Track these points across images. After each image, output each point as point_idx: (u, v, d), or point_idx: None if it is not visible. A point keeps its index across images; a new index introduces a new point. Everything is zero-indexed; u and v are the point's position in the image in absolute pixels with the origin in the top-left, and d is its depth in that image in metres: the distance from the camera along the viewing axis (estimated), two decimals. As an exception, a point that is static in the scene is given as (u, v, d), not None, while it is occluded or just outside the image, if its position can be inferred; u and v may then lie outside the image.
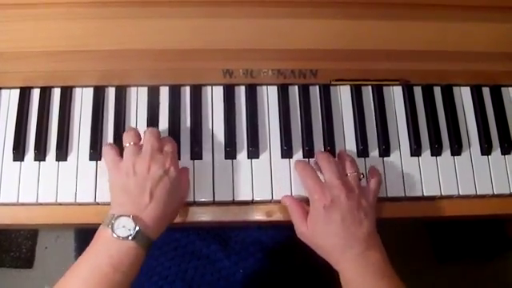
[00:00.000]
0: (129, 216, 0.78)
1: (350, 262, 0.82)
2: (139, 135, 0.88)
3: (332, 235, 0.83)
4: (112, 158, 0.87)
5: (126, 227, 0.78)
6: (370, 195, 0.88)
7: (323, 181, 0.88)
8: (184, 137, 0.95)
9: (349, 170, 0.89)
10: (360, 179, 0.89)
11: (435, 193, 0.95)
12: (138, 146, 0.86)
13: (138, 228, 0.78)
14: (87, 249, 0.79)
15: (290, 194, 0.93)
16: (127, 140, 0.86)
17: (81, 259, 0.78)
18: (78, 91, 0.98)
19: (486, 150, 0.98)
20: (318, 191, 0.86)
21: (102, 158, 0.92)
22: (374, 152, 0.97)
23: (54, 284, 0.77)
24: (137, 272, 0.79)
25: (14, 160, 0.93)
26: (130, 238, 0.77)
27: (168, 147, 0.87)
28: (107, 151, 0.88)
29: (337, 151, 0.96)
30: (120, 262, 0.77)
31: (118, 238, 0.77)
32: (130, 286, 0.79)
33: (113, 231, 0.77)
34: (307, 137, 0.96)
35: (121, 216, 0.78)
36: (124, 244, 0.77)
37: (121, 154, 0.87)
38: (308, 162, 0.94)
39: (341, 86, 1.00)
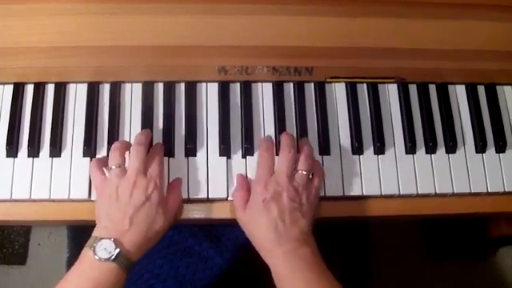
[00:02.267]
0: (110, 239, 0.80)
1: (280, 258, 0.82)
2: (124, 156, 0.87)
3: (265, 229, 0.83)
4: (97, 180, 0.88)
5: (107, 249, 0.80)
6: (312, 195, 0.88)
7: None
8: (178, 134, 0.95)
9: (300, 167, 0.88)
10: (308, 177, 0.88)
11: (429, 191, 0.95)
12: (123, 169, 0.86)
13: (118, 250, 0.80)
14: (72, 267, 0.81)
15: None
16: (112, 162, 0.86)
17: (66, 278, 0.80)
18: (72, 87, 0.97)
19: (480, 148, 0.98)
20: (262, 184, 0.86)
21: (96, 155, 0.93)
22: (369, 149, 0.97)
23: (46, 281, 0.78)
24: None
25: (8, 156, 0.93)
26: (111, 259, 0.79)
27: (153, 169, 0.87)
28: (93, 171, 0.89)
29: (331, 149, 0.96)
30: (101, 283, 0.79)
31: (99, 259, 0.79)
32: None
33: (94, 253, 0.79)
34: (302, 134, 0.96)
35: (103, 239, 0.81)
36: (105, 265, 0.79)
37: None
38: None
39: (336, 84, 1.00)
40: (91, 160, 0.93)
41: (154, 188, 0.85)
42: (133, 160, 0.86)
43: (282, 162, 0.87)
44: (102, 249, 0.80)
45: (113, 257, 0.79)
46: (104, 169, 0.88)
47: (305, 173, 0.87)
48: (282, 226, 0.83)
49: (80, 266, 0.81)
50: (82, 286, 0.78)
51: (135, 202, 0.83)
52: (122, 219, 0.82)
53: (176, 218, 0.91)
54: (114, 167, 0.86)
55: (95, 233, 0.83)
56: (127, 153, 0.88)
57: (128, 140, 0.94)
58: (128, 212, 0.82)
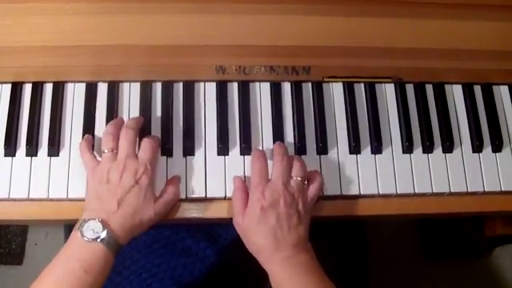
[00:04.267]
0: (97, 219, 0.81)
1: (278, 264, 0.83)
2: (117, 140, 0.88)
3: (263, 236, 0.84)
4: (89, 163, 0.89)
5: (94, 230, 0.80)
6: (308, 202, 0.88)
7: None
8: (176, 133, 0.95)
9: (294, 174, 0.88)
10: (303, 183, 0.89)
11: (426, 190, 0.95)
12: (115, 153, 0.87)
13: (105, 231, 0.80)
14: (60, 251, 0.81)
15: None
16: (105, 146, 0.87)
17: (54, 261, 0.80)
18: (70, 87, 0.97)
19: (477, 147, 0.98)
20: (259, 191, 0.86)
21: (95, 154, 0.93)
22: (366, 149, 0.97)
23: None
24: (106, 275, 0.82)
25: (6, 155, 0.93)
26: (99, 240, 0.80)
27: (145, 153, 0.87)
28: (84, 155, 0.90)
29: (329, 149, 0.96)
30: (89, 265, 0.79)
31: (87, 240, 0.79)
32: None
33: (82, 234, 0.80)
34: (299, 134, 0.97)
35: (90, 219, 0.81)
36: (93, 246, 0.80)
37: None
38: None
39: (333, 83, 1.00)
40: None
41: (144, 172, 0.85)
42: (122, 143, 0.87)
43: (276, 169, 0.88)
44: (90, 229, 0.80)
45: (100, 237, 0.80)
46: (95, 153, 0.90)
47: (299, 179, 0.88)
48: (280, 232, 0.83)
49: (68, 248, 0.81)
50: (71, 268, 0.78)
51: (124, 184, 0.84)
52: (110, 200, 0.83)
53: (167, 217, 0.91)
54: (106, 151, 0.87)
55: (83, 215, 0.83)
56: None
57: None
58: (117, 193, 0.83)
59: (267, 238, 0.83)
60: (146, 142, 0.89)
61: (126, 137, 0.87)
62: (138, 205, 0.84)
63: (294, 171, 0.88)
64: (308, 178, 0.90)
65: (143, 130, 0.94)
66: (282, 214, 0.84)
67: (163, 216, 0.89)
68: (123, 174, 0.84)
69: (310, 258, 0.84)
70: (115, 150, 0.87)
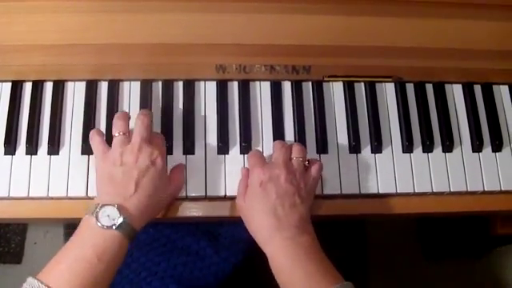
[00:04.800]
0: (114, 205, 0.79)
1: (279, 245, 0.82)
2: (128, 124, 0.88)
3: (264, 214, 0.83)
4: (100, 146, 0.87)
5: (110, 216, 0.78)
6: (309, 181, 0.88)
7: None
8: (176, 132, 0.95)
9: (295, 154, 0.88)
10: (304, 165, 0.89)
11: (426, 189, 0.95)
12: (127, 136, 0.86)
13: (122, 217, 0.78)
14: (72, 237, 0.79)
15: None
16: (116, 130, 0.86)
17: (66, 247, 0.78)
18: (70, 85, 0.97)
19: (477, 147, 0.99)
20: (257, 168, 0.86)
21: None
22: (366, 148, 0.97)
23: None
24: (120, 262, 0.80)
25: (6, 154, 0.93)
26: (114, 227, 0.78)
27: (157, 139, 0.87)
28: (94, 139, 0.89)
29: (329, 148, 0.96)
30: (104, 252, 0.77)
31: (102, 226, 0.78)
32: (113, 276, 0.80)
33: (97, 220, 0.78)
34: (299, 133, 0.97)
35: (106, 205, 0.79)
36: (108, 233, 0.78)
37: (108, 141, 0.88)
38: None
39: (333, 83, 1.00)
40: (89, 158, 0.93)
41: (159, 154, 0.85)
42: (138, 128, 0.86)
43: (276, 152, 0.88)
44: (105, 215, 0.78)
45: (116, 224, 0.78)
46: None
47: (301, 159, 0.88)
48: (281, 210, 0.83)
49: (81, 233, 0.79)
50: (84, 255, 0.76)
51: (140, 165, 0.82)
52: (127, 183, 0.81)
53: (168, 215, 0.91)
54: (117, 134, 0.86)
55: (97, 200, 0.82)
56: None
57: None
58: (133, 175, 0.82)
59: (268, 215, 0.83)
60: (155, 133, 0.89)
61: (142, 121, 0.86)
62: (155, 186, 0.83)
63: (294, 153, 0.88)
64: (308, 160, 0.90)
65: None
66: (283, 189, 0.83)
67: (174, 198, 0.90)
68: (139, 156, 0.83)
69: (312, 240, 0.83)
70: (126, 133, 0.86)
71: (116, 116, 0.88)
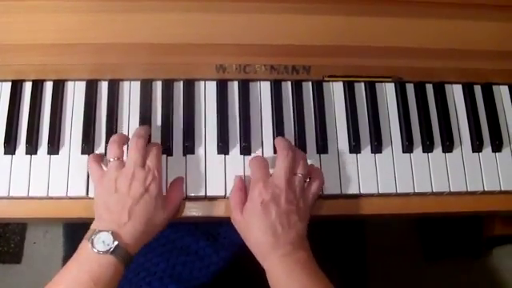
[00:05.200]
0: (108, 231, 0.80)
1: (276, 261, 0.82)
2: (122, 149, 0.88)
3: (263, 232, 0.83)
4: (97, 172, 0.88)
5: (105, 242, 0.80)
6: (309, 199, 0.88)
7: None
8: (177, 132, 0.95)
9: (298, 171, 0.88)
10: (305, 181, 0.89)
11: (426, 189, 0.95)
12: (122, 161, 0.86)
13: (116, 243, 0.80)
14: (70, 260, 0.81)
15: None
16: (111, 155, 0.87)
17: (63, 270, 0.80)
18: (70, 85, 0.97)
19: (477, 147, 0.98)
20: (260, 185, 0.86)
21: (94, 153, 0.93)
22: (366, 148, 0.97)
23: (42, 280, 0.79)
24: (115, 286, 0.81)
25: (5, 153, 0.93)
26: (109, 252, 0.79)
27: (151, 161, 0.86)
28: (91, 164, 0.89)
29: (329, 148, 0.96)
30: (99, 277, 0.78)
31: (98, 252, 0.79)
32: None
33: (92, 246, 0.79)
34: (299, 133, 0.97)
35: (101, 231, 0.80)
36: (103, 258, 0.79)
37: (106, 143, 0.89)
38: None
39: (334, 83, 1.00)
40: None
41: (153, 180, 0.85)
42: (132, 152, 0.86)
43: (280, 165, 0.87)
44: (101, 241, 0.79)
45: (111, 249, 0.79)
46: (102, 164, 0.89)
47: (301, 176, 0.88)
48: (280, 229, 0.83)
49: (78, 258, 0.80)
50: (80, 279, 0.78)
51: (134, 193, 0.83)
52: (120, 211, 0.82)
53: (175, 216, 0.91)
54: (112, 159, 0.86)
55: (94, 225, 0.83)
56: (125, 147, 0.89)
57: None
58: (127, 204, 0.82)
59: (266, 234, 0.83)
60: (152, 149, 0.88)
61: (136, 145, 0.86)
62: (149, 213, 0.84)
63: (297, 167, 0.88)
64: (309, 175, 0.90)
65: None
66: (283, 210, 0.84)
67: (171, 219, 0.90)
68: (132, 183, 0.83)
69: (307, 256, 0.84)
70: (121, 158, 0.87)
71: (112, 139, 0.88)
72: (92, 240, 0.79)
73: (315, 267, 0.84)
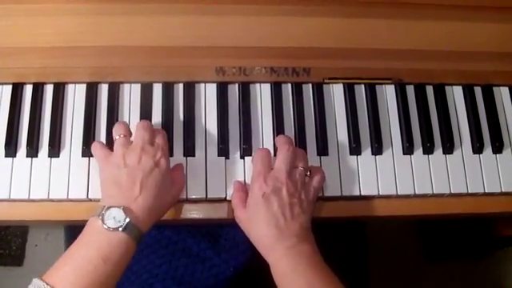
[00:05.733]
0: (119, 207, 0.79)
1: (281, 255, 0.82)
2: (129, 128, 0.89)
3: (266, 225, 0.83)
4: (102, 151, 0.88)
5: (116, 218, 0.78)
6: (311, 192, 0.88)
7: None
8: (177, 134, 0.95)
9: (299, 164, 0.88)
10: (306, 175, 0.89)
11: (427, 191, 0.95)
12: (129, 138, 0.86)
13: (128, 219, 0.78)
14: (78, 239, 0.79)
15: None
16: (117, 132, 0.87)
17: (71, 249, 0.78)
18: (70, 87, 0.97)
19: (477, 148, 0.98)
20: (260, 179, 0.86)
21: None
22: (367, 150, 0.97)
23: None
24: (126, 265, 0.79)
25: (6, 156, 0.93)
26: (121, 229, 0.78)
27: (159, 140, 0.87)
28: (96, 146, 0.89)
29: (329, 150, 0.96)
30: (109, 254, 0.77)
31: (108, 229, 0.77)
32: (119, 278, 0.79)
33: (103, 222, 0.77)
34: (300, 135, 0.97)
35: (111, 207, 0.79)
36: (114, 235, 0.78)
37: (109, 146, 0.89)
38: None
39: (334, 85, 1.00)
40: (89, 161, 0.93)
41: (162, 155, 0.85)
42: (139, 131, 0.86)
43: (280, 158, 0.88)
44: (111, 217, 0.78)
45: (122, 226, 0.77)
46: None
47: (302, 169, 0.88)
48: (282, 220, 0.83)
49: (86, 236, 0.79)
50: (89, 258, 0.76)
51: (144, 166, 0.82)
52: (131, 184, 0.81)
53: (169, 217, 0.91)
54: (118, 137, 0.86)
55: (102, 202, 0.81)
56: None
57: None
58: (138, 176, 0.81)
59: (270, 225, 0.83)
60: (159, 131, 0.89)
61: (143, 125, 0.87)
62: (160, 187, 0.83)
63: (297, 161, 0.88)
64: (310, 170, 0.90)
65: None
66: (285, 202, 0.84)
67: (177, 199, 0.90)
68: (142, 157, 0.83)
69: (313, 249, 0.83)
70: (128, 135, 0.87)
71: (116, 123, 0.89)
72: (102, 216, 0.78)
73: (320, 260, 0.83)
